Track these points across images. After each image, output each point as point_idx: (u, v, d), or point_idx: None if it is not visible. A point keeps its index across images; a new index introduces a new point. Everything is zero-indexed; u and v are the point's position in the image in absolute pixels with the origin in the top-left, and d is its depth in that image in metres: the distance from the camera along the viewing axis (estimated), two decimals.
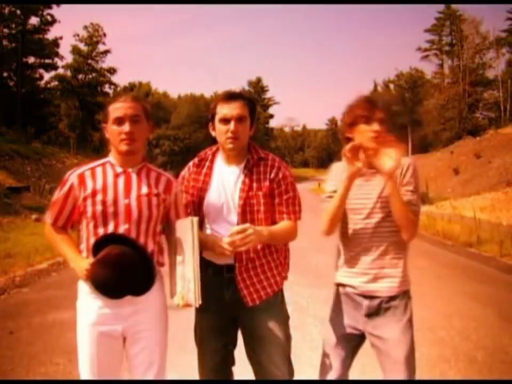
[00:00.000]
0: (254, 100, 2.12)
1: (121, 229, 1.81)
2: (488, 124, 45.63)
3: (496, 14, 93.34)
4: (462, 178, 26.37)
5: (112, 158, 1.91)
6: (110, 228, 1.81)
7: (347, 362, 2.08)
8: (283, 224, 2.06)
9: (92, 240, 1.82)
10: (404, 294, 2.00)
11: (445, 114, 47.68)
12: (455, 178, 26.99)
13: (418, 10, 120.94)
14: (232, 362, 2.21)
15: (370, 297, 1.98)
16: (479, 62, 50.21)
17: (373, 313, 1.98)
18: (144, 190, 1.87)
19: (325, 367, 2.12)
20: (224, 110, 1.99)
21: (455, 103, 47.29)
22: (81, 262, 1.80)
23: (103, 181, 1.84)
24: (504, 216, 13.24)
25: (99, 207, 1.80)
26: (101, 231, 1.81)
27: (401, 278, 1.99)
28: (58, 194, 1.89)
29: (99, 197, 1.81)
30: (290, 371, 2.13)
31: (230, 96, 2.02)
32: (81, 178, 1.86)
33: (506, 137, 29.74)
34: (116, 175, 1.86)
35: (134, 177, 1.88)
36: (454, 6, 50.99)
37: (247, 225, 1.90)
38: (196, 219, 1.80)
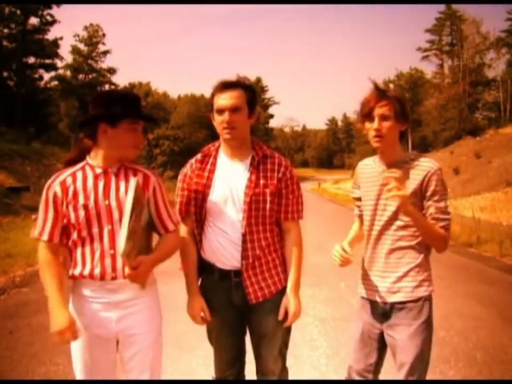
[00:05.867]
0: (252, 86, 2.08)
1: (105, 230, 1.80)
2: (488, 124, 45.63)
3: (497, 15, 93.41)
4: (462, 178, 26.36)
5: (91, 159, 1.86)
6: (94, 230, 1.80)
7: (369, 360, 2.04)
8: (294, 252, 2.07)
9: (79, 251, 1.80)
10: (420, 299, 1.95)
11: (445, 114, 47.65)
12: (455, 178, 26.97)
13: (419, 10, 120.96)
14: (245, 351, 2.22)
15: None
16: (479, 62, 50.20)
17: (387, 313, 1.97)
18: (123, 190, 1.85)
19: (351, 361, 2.12)
20: (219, 100, 1.97)
21: (455, 103, 47.24)
22: (54, 318, 1.83)
23: (83, 185, 1.82)
24: (504, 216, 13.24)
25: (81, 212, 1.78)
26: (84, 234, 1.80)
27: (413, 288, 1.94)
28: (44, 207, 1.82)
29: (81, 201, 1.79)
30: (284, 364, 2.17)
31: (225, 86, 1.99)
32: (64, 185, 1.82)
33: (506, 137, 29.75)
34: (96, 177, 1.83)
35: (113, 177, 1.86)
36: (454, 6, 51.02)
37: (284, 310, 2.01)
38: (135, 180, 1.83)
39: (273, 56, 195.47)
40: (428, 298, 1.97)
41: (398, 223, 1.94)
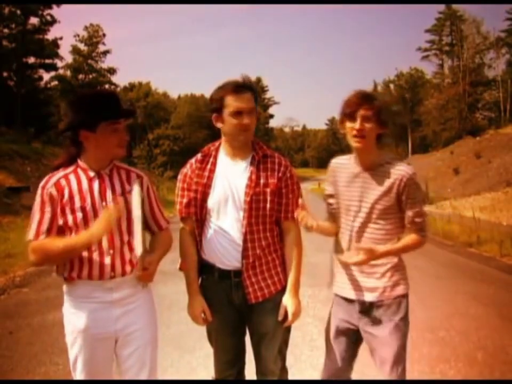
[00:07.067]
0: (254, 84, 2.09)
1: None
2: (488, 124, 45.68)
3: (497, 15, 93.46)
4: (462, 178, 26.38)
5: (82, 162, 1.85)
6: None
7: (346, 356, 2.08)
8: (294, 252, 2.07)
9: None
10: (397, 297, 1.99)
11: (445, 114, 47.69)
12: (455, 178, 27.00)
13: (418, 10, 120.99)
14: (245, 351, 2.22)
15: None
16: (479, 62, 50.24)
17: (365, 310, 2.00)
18: (119, 190, 1.86)
19: (326, 359, 2.15)
20: (236, 102, 1.95)
21: (455, 103, 47.28)
22: (92, 231, 1.73)
23: (79, 187, 1.81)
24: (504, 216, 13.25)
25: (79, 214, 1.78)
26: None
27: (390, 287, 1.98)
28: (41, 207, 1.79)
29: (77, 204, 1.79)
30: (283, 364, 2.16)
31: (241, 88, 1.96)
32: (58, 186, 1.80)
33: (506, 137, 29.78)
34: (90, 179, 1.83)
35: (107, 179, 1.86)
36: (454, 6, 51.08)
37: (283, 310, 2.01)
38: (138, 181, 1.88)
39: (273, 56, 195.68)
40: (405, 295, 2.02)
41: (373, 225, 1.98)
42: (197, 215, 2.07)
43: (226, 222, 2.02)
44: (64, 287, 1.87)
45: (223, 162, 2.08)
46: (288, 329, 2.13)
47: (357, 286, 2.02)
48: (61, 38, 33.85)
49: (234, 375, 2.15)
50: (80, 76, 40.49)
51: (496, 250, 7.98)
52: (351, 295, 2.03)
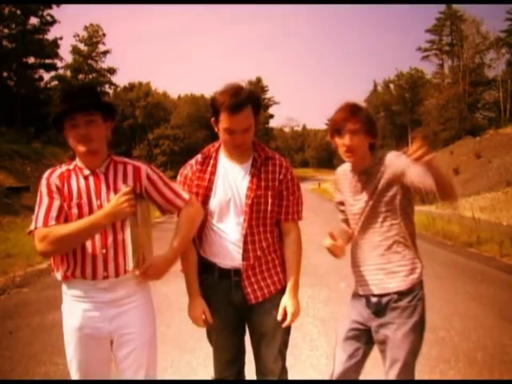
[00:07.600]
0: (256, 95, 2.04)
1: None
2: (488, 124, 45.72)
3: (497, 15, 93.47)
4: (462, 178, 26.37)
5: (78, 161, 1.86)
6: None
7: (354, 358, 2.05)
8: (294, 252, 2.07)
9: (70, 250, 1.79)
10: (414, 293, 1.97)
11: (445, 114, 47.72)
12: (455, 178, 26.94)
13: (419, 10, 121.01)
14: (244, 351, 2.21)
15: (379, 295, 2.00)
16: (479, 62, 50.30)
17: (380, 311, 1.99)
18: (113, 187, 1.83)
19: (334, 361, 2.13)
20: (229, 122, 1.89)
21: (455, 103, 47.32)
22: (99, 213, 1.74)
23: (77, 184, 1.82)
24: (504, 216, 13.27)
25: (75, 210, 1.78)
26: None
27: (408, 271, 1.97)
28: (48, 194, 1.78)
29: (74, 200, 1.79)
30: (283, 363, 2.16)
31: (235, 108, 1.87)
32: (61, 179, 1.82)
33: (506, 137, 29.82)
34: (85, 178, 1.83)
35: (102, 177, 1.84)
36: (454, 6, 51.14)
37: (283, 310, 2.00)
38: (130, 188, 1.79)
39: (273, 56, 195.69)
40: (421, 295, 2.00)
41: (385, 223, 2.00)
42: None
43: (227, 224, 2.02)
44: (63, 286, 1.88)
45: (224, 164, 2.06)
46: (288, 329, 2.12)
47: (374, 281, 2.02)
48: (61, 38, 33.99)
49: (234, 375, 2.15)
50: (80, 76, 40.62)
51: (496, 250, 7.98)
52: (368, 290, 2.03)
